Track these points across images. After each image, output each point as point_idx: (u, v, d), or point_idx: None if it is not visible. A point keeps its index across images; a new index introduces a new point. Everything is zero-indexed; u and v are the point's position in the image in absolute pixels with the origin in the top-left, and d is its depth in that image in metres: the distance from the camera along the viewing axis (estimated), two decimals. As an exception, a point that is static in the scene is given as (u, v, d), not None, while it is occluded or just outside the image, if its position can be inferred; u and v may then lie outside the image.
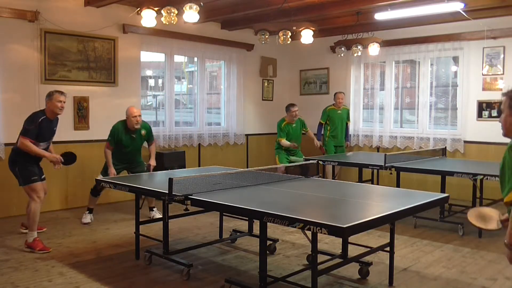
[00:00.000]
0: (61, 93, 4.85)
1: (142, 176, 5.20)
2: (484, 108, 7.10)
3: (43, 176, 5.04)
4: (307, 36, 6.78)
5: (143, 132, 5.86)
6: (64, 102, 4.86)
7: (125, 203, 6.53)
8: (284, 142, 7.19)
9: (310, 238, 3.08)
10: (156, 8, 5.78)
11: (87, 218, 5.83)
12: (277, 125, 7.33)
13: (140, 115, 5.72)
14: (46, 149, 4.95)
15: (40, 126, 4.70)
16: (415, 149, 7.67)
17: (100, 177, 5.66)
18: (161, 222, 4.24)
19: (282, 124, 7.24)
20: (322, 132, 7.98)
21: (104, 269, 4.18)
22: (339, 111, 7.92)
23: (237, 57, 8.65)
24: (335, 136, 7.91)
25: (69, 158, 4.98)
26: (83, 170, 6.54)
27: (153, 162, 5.90)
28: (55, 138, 5.09)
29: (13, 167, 4.84)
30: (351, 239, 3.99)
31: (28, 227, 4.81)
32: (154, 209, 6.03)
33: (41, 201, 4.83)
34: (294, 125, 7.27)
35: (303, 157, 7.32)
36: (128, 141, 5.75)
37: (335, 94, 7.98)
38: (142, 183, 4.65)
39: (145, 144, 6.07)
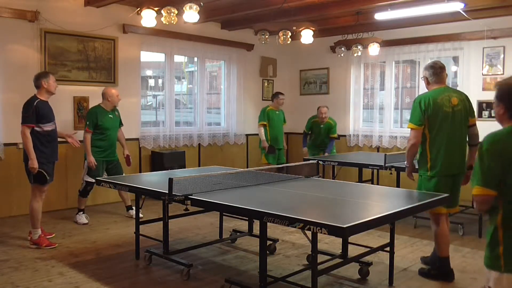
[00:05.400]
0: (52, 74, 5.01)
1: (142, 175, 5.19)
2: (484, 108, 7.08)
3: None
4: (307, 36, 6.78)
5: (116, 113, 6.00)
6: None
7: (125, 203, 6.52)
8: (261, 132, 7.24)
9: (310, 238, 3.08)
10: (156, 8, 5.78)
11: (83, 218, 5.81)
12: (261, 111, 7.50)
13: None
14: (54, 130, 4.87)
15: (37, 109, 4.66)
16: (415, 149, 7.65)
17: (87, 178, 5.68)
18: (161, 222, 4.25)
19: (266, 109, 7.40)
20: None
21: (104, 269, 4.18)
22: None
23: (237, 57, 8.65)
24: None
25: (40, 176, 4.74)
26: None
27: (127, 152, 6.11)
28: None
29: (26, 165, 4.74)
30: (351, 239, 3.99)
31: (31, 224, 4.82)
32: (133, 208, 5.98)
33: (42, 200, 4.88)
34: (277, 112, 7.43)
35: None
36: (108, 122, 5.80)
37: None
38: (142, 183, 4.65)
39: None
